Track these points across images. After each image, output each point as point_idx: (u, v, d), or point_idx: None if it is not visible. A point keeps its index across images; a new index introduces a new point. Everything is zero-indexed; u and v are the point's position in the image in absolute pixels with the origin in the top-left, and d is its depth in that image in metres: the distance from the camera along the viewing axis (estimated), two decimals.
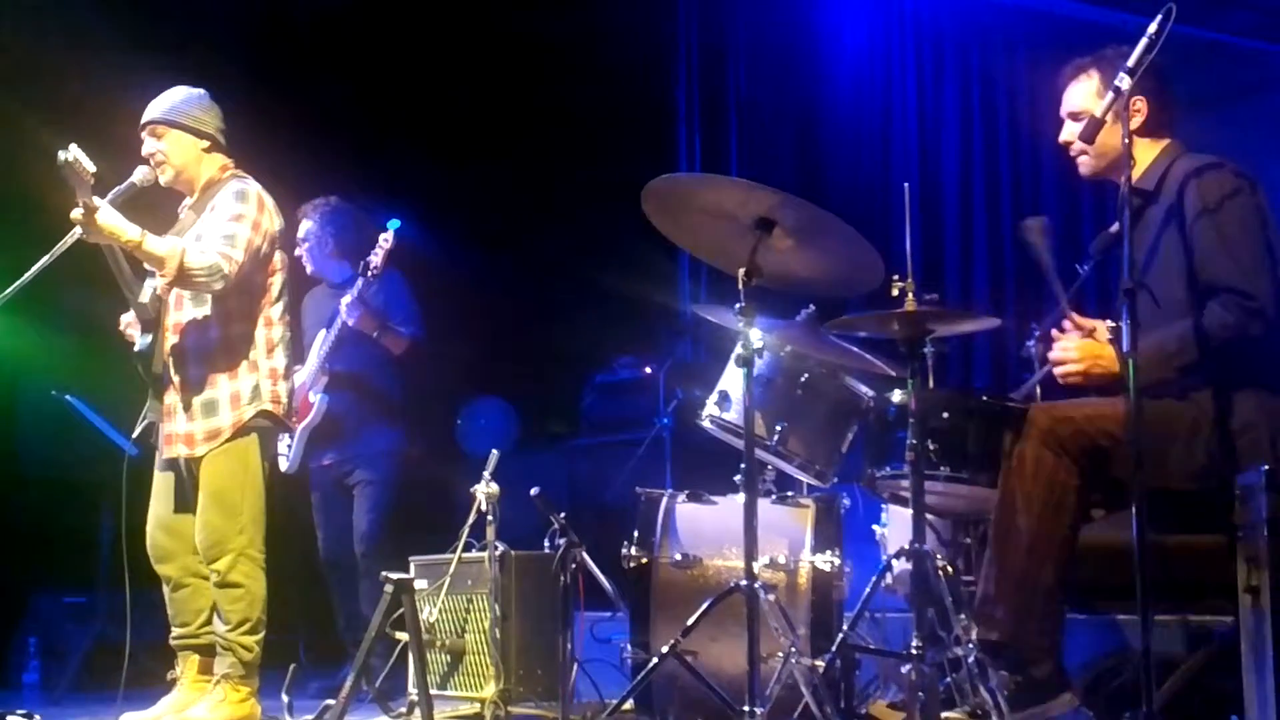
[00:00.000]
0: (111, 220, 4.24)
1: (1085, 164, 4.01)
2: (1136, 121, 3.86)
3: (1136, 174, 3.86)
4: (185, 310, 4.57)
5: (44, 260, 4.32)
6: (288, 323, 4.73)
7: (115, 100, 5.13)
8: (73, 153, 4.07)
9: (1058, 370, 3.89)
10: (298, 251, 5.98)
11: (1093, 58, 3.99)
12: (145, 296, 4.56)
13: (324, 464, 6.09)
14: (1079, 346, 3.85)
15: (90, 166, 4.11)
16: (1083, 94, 4.00)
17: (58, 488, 7.01)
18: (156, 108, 4.67)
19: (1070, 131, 4.03)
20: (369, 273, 5.85)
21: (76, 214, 4.18)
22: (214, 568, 4.45)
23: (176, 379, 4.54)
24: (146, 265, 4.43)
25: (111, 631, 6.24)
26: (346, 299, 5.88)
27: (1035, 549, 3.67)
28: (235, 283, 4.45)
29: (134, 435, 4.77)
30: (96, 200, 4.19)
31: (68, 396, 6.39)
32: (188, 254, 4.34)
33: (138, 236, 4.29)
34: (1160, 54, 3.76)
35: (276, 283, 4.66)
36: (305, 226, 6.13)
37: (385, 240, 5.88)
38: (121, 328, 4.72)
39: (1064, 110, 4.06)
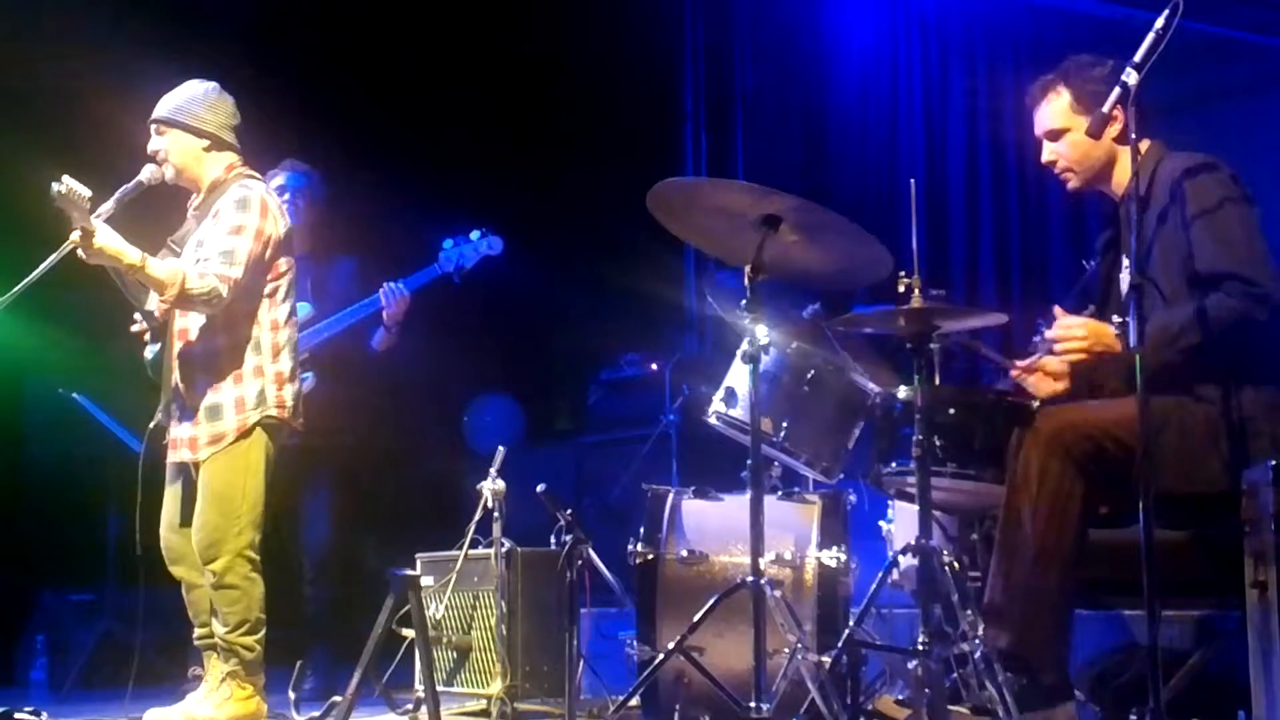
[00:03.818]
0: (112, 244, 4.21)
1: (1072, 179, 4.03)
2: (1115, 130, 3.85)
3: (1125, 179, 3.86)
4: (191, 317, 4.54)
5: (43, 266, 4.30)
6: (294, 324, 4.71)
7: (117, 94, 5.12)
8: (65, 184, 4.04)
9: (1059, 348, 3.87)
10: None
11: (1057, 73, 4.00)
12: (152, 304, 4.56)
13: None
14: (1085, 324, 3.84)
15: (85, 191, 4.08)
16: (1055, 112, 4.00)
17: (65, 486, 7.02)
18: (163, 105, 4.65)
19: (1051, 151, 4.04)
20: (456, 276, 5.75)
21: (74, 238, 4.16)
22: (210, 569, 4.44)
23: (182, 385, 4.53)
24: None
25: (118, 629, 6.26)
26: (395, 284, 5.71)
27: (1041, 558, 3.65)
28: (238, 290, 4.44)
29: (147, 433, 4.76)
30: (95, 222, 4.17)
31: (75, 394, 6.40)
32: (188, 279, 4.31)
33: (138, 260, 4.26)
34: (1096, 60, 3.82)
35: (283, 285, 4.63)
36: (278, 182, 5.68)
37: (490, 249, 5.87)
38: (134, 328, 4.71)
39: (1039, 131, 4.05)
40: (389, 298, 5.73)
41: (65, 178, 4.05)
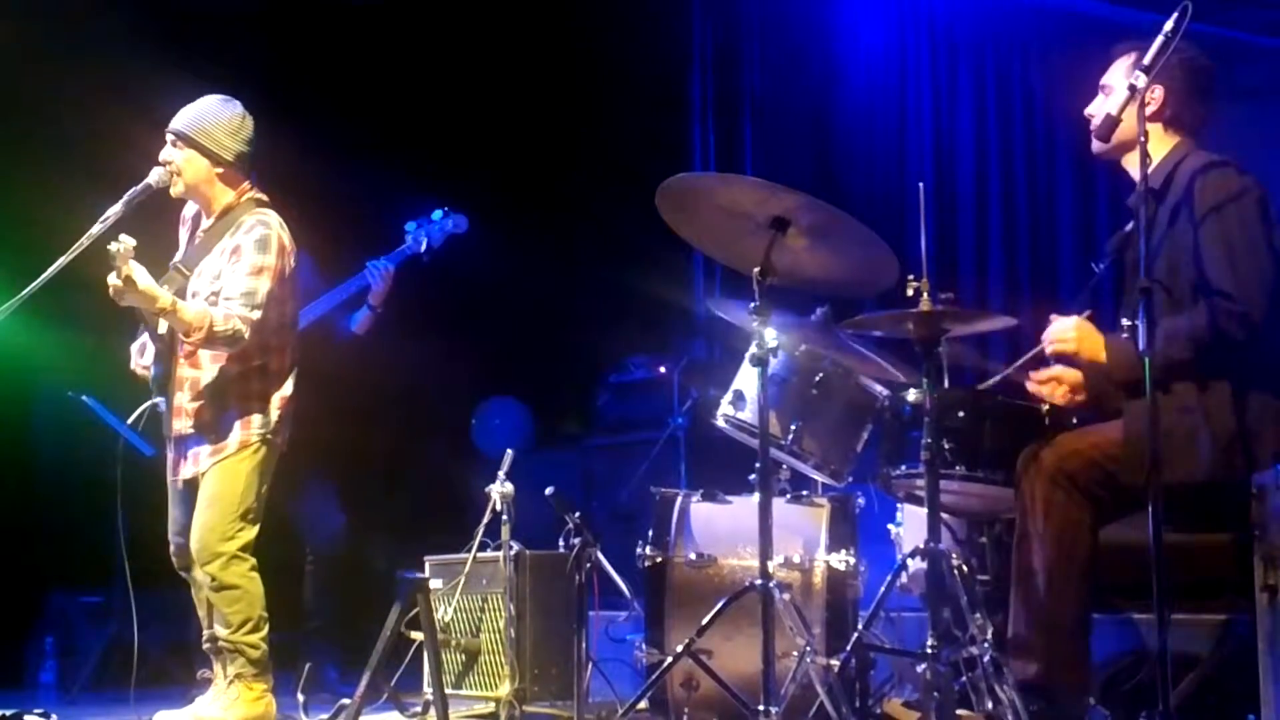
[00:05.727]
0: (149, 287, 4.26)
1: (1096, 143, 3.98)
2: (1149, 110, 3.84)
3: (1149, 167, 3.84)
4: None
5: (52, 269, 4.31)
6: (299, 348, 4.72)
7: (123, 99, 5.11)
8: (123, 243, 4.14)
9: (1050, 345, 3.91)
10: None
11: (1142, 42, 3.94)
12: (163, 327, 4.57)
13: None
14: (1077, 326, 3.87)
15: (132, 242, 4.17)
16: (1117, 70, 3.97)
17: (74, 488, 7.01)
18: (183, 118, 4.62)
19: (1095, 104, 4.02)
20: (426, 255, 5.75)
21: (113, 281, 4.20)
22: (207, 570, 4.46)
23: (189, 406, 4.57)
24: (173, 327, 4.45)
25: (127, 631, 6.24)
26: (380, 261, 5.73)
27: (1054, 586, 3.68)
28: (255, 327, 4.48)
29: (130, 420, 4.78)
30: (134, 265, 4.20)
31: (84, 397, 6.40)
32: (215, 322, 4.37)
33: (169, 303, 4.31)
34: (1203, 56, 3.79)
35: (290, 311, 4.67)
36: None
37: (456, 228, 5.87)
38: (134, 365, 4.74)
39: (1101, 81, 4.04)
40: (376, 273, 5.73)
41: (122, 236, 4.14)
